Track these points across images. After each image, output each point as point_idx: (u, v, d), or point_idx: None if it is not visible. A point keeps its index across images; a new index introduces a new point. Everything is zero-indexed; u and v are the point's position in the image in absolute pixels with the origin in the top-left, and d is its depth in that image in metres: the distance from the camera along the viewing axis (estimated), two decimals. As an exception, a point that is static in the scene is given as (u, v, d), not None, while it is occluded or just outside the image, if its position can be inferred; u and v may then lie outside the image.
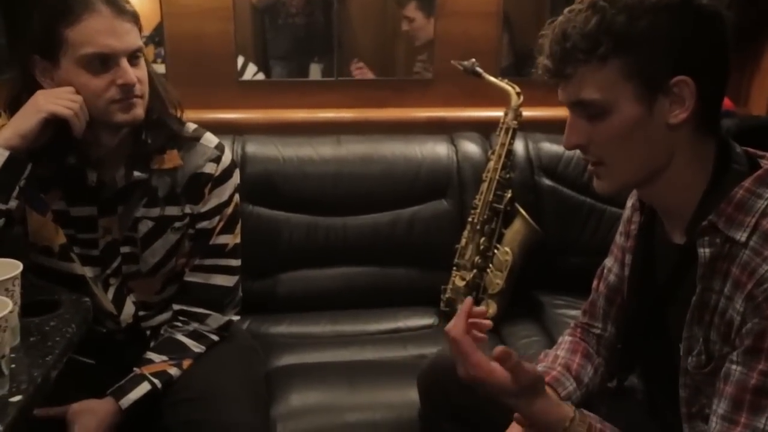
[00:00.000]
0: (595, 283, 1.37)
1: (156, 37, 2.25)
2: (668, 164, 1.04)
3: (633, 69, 0.98)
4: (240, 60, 2.32)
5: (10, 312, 1.02)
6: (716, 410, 0.99)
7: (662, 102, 1.00)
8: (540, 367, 1.30)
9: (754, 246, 0.96)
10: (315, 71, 2.35)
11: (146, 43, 2.22)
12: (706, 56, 1.00)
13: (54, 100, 1.32)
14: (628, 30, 0.97)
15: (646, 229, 1.20)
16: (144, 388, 1.43)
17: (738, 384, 0.96)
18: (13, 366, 1.05)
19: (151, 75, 1.44)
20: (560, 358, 1.32)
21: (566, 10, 1.02)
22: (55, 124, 1.33)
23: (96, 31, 1.32)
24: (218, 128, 1.63)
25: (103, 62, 1.34)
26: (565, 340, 1.38)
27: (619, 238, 1.31)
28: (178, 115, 1.51)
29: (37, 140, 1.33)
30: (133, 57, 1.37)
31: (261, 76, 2.35)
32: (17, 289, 1.14)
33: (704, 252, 1.02)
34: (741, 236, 0.98)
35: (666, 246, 1.13)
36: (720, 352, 1.01)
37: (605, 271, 1.35)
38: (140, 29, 1.40)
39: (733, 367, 0.97)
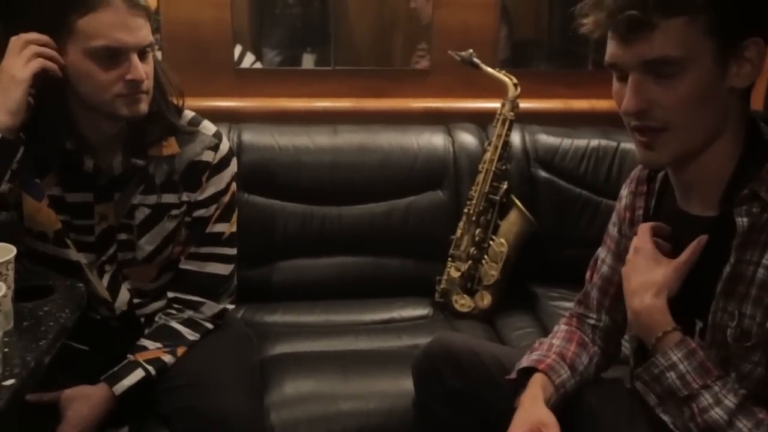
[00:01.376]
0: (588, 274, 1.37)
1: (153, 24, 2.24)
2: (722, 132, 1.03)
3: (720, 25, 0.96)
4: (238, 49, 2.31)
5: (4, 296, 1.03)
6: None
7: (732, 64, 0.99)
8: (535, 355, 1.30)
9: None
10: (308, 61, 2.36)
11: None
12: None
13: (22, 62, 1.30)
14: None
15: (654, 210, 1.20)
16: (138, 374, 1.43)
17: None
18: (6, 350, 1.05)
19: (156, 66, 1.44)
20: (555, 346, 1.32)
21: None
22: (38, 85, 1.33)
23: (109, 24, 1.31)
24: (214, 116, 1.63)
25: (113, 56, 1.33)
26: (560, 329, 1.38)
27: (612, 230, 1.31)
28: (179, 103, 1.51)
29: (26, 111, 1.31)
30: (142, 52, 1.37)
31: (259, 65, 2.35)
32: (11, 274, 1.14)
33: (742, 221, 1.01)
34: None
35: (684, 221, 1.12)
36: (761, 327, 1.00)
37: (599, 262, 1.35)
38: (152, 24, 1.40)
39: None
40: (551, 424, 1.17)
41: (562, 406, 1.26)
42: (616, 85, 1.06)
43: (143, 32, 1.36)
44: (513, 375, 1.29)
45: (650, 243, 1.13)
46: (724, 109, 1.02)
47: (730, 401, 1.00)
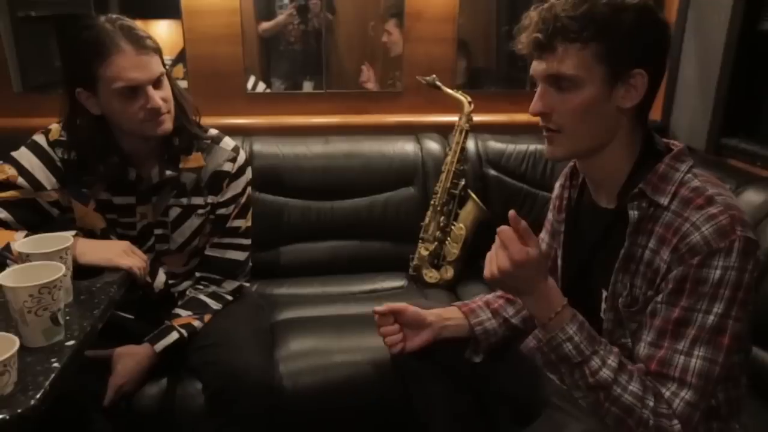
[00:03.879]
0: None
1: (181, 59, 2.23)
2: (610, 141, 1.04)
3: (607, 55, 0.96)
4: (252, 79, 2.30)
5: (64, 275, 1.03)
6: (645, 338, 1.00)
7: (619, 88, 0.99)
8: (465, 302, 1.32)
9: (676, 209, 0.97)
10: (307, 86, 2.35)
11: (174, 64, 2.22)
12: (660, 59, 1.01)
13: (121, 252, 1.32)
14: (612, 22, 0.95)
15: (576, 200, 1.20)
16: (173, 336, 1.44)
17: (663, 317, 0.97)
18: (67, 318, 1.06)
19: (174, 90, 1.42)
20: (485, 298, 1.34)
21: None
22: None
23: (123, 67, 1.29)
24: (230, 131, 1.63)
25: (133, 91, 1.31)
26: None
27: (549, 215, 1.31)
28: (197, 119, 1.50)
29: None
30: (156, 82, 1.34)
31: (269, 91, 2.34)
32: (69, 257, 1.15)
33: (634, 213, 1.02)
34: (664, 200, 0.99)
35: (594, 211, 1.13)
36: (644, 295, 1.02)
37: (539, 241, 1.35)
38: (161, 56, 1.37)
39: (659, 306, 0.98)
40: (407, 308, 1.28)
41: (492, 345, 1.29)
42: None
43: (153, 66, 1.33)
44: None
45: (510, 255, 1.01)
46: (612, 122, 1.02)
47: (612, 361, 1.00)
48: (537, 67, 1.02)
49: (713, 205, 0.95)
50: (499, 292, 1.37)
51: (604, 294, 1.10)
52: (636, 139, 1.05)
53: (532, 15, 1.01)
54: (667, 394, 0.96)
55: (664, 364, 0.97)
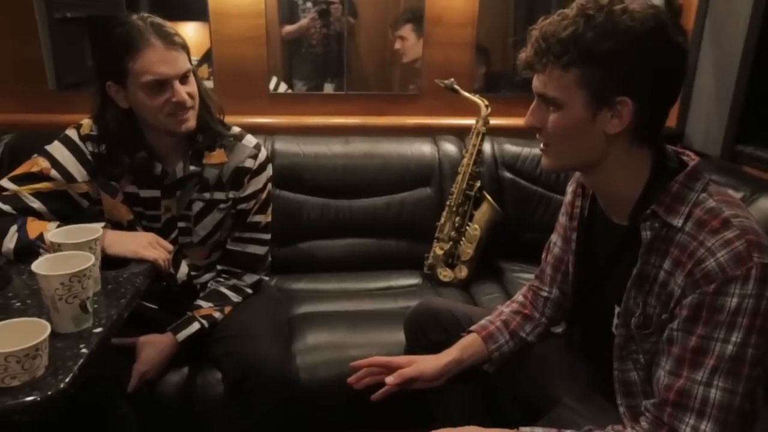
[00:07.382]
0: (543, 255, 1.36)
1: (207, 59, 2.26)
2: (601, 161, 1.00)
3: (588, 80, 0.93)
4: (274, 80, 2.32)
5: (93, 265, 1.05)
6: (664, 366, 0.96)
7: (605, 113, 0.95)
8: (484, 321, 1.30)
9: (690, 231, 0.93)
10: (328, 88, 2.36)
11: (200, 64, 2.24)
12: (652, 85, 0.94)
13: (146, 244, 1.33)
14: (593, 47, 0.91)
15: (589, 210, 1.17)
16: (195, 326, 1.46)
17: (681, 346, 0.93)
18: (96, 306, 1.08)
19: (200, 88, 1.43)
20: (504, 314, 1.31)
21: (556, 14, 0.96)
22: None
23: (152, 62, 1.31)
24: (254, 130, 1.64)
25: (160, 85, 1.33)
26: (517, 299, 1.36)
27: (561, 218, 1.28)
28: (221, 117, 1.51)
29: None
30: (183, 77, 1.36)
31: (290, 92, 2.35)
32: (98, 248, 1.17)
33: (646, 234, 0.98)
34: (677, 222, 0.95)
35: (607, 225, 1.10)
36: (659, 317, 0.98)
37: (551, 245, 1.33)
38: (188, 53, 1.38)
39: (675, 333, 0.94)
40: (405, 364, 1.25)
41: (505, 360, 1.28)
42: None
43: (180, 62, 1.35)
44: (465, 334, 1.30)
45: None
46: (598, 145, 0.99)
47: None
48: (534, 81, 1.01)
49: (729, 229, 0.90)
50: (515, 308, 1.35)
51: (617, 309, 1.07)
52: (638, 160, 1.01)
53: (534, 31, 0.99)
54: (687, 430, 0.91)
55: (683, 395, 0.92)
